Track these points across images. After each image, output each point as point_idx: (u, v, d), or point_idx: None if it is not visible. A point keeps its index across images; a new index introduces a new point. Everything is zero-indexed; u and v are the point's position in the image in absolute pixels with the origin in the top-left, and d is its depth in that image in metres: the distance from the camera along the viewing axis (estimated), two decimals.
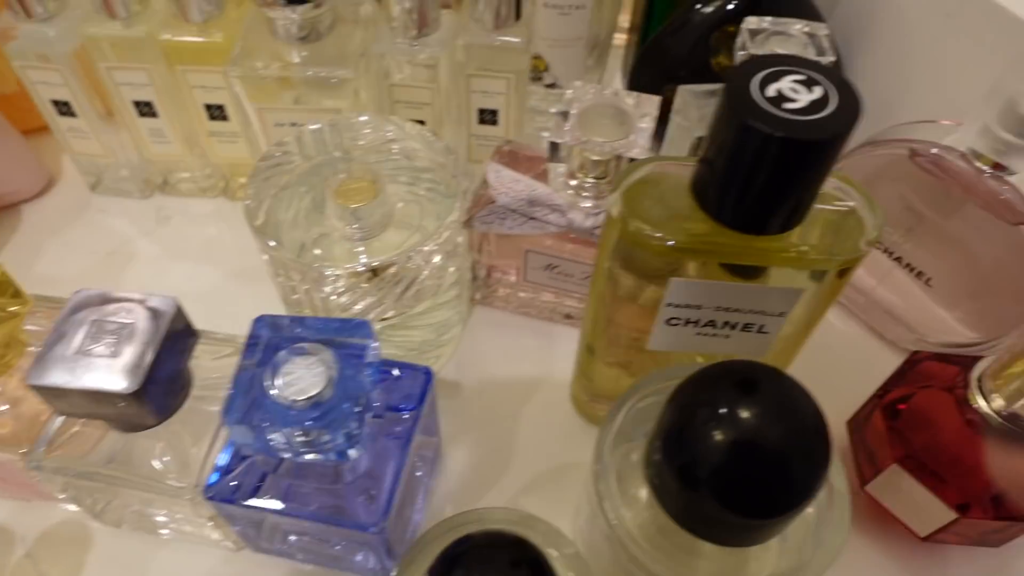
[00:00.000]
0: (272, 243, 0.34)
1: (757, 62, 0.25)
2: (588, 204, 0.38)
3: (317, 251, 0.37)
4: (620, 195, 0.29)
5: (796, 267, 0.29)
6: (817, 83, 0.25)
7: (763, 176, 0.25)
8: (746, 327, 0.32)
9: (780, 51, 0.39)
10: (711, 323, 0.32)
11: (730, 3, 0.44)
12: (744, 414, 0.25)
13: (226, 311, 0.48)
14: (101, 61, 0.44)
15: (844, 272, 0.29)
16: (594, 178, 0.37)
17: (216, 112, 0.46)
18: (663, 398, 0.26)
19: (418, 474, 0.38)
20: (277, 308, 0.46)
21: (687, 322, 0.32)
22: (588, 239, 0.39)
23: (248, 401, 0.28)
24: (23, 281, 0.49)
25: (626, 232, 0.29)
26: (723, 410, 0.25)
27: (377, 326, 0.39)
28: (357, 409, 0.28)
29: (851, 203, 0.29)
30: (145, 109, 0.47)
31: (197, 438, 0.34)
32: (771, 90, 0.24)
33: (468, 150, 0.49)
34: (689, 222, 0.28)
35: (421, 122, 0.45)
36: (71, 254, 0.51)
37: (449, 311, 0.42)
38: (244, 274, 0.50)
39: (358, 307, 0.36)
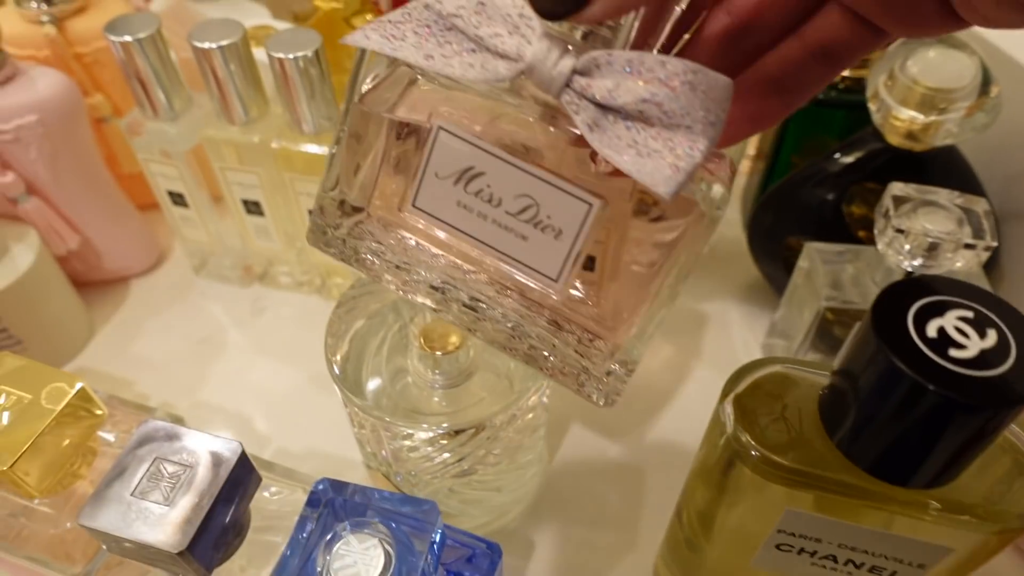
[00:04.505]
0: (351, 395, 0.32)
1: (913, 286, 0.21)
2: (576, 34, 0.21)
3: (395, 385, 0.35)
4: (732, 401, 0.26)
5: (939, 526, 0.24)
6: (990, 323, 0.20)
7: (914, 431, 0.21)
8: (874, 570, 0.27)
9: (929, 226, 0.35)
10: (831, 557, 0.27)
11: (875, 158, 0.40)
12: None
13: (298, 420, 0.47)
14: (217, 161, 0.45)
15: (1007, 533, 0.24)
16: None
17: None
18: None
19: None
20: (347, 428, 0.44)
21: (800, 551, 0.27)
22: (557, 117, 0.22)
23: None
24: (118, 360, 0.50)
25: (739, 449, 0.25)
26: None
27: (448, 482, 0.36)
28: None
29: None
30: (253, 208, 0.47)
31: (256, 570, 0.32)
32: (932, 328, 0.20)
33: None
34: (813, 450, 0.24)
35: None
36: (167, 337, 0.52)
37: (531, 467, 0.39)
38: (324, 380, 0.48)
39: (431, 462, 0.34)
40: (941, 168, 0.39)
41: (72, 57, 0.48)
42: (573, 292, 0.24)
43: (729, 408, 0.25)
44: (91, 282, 0.54)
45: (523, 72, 0.19)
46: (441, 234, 0.25)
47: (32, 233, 0.46)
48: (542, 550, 0.40)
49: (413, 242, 0.26)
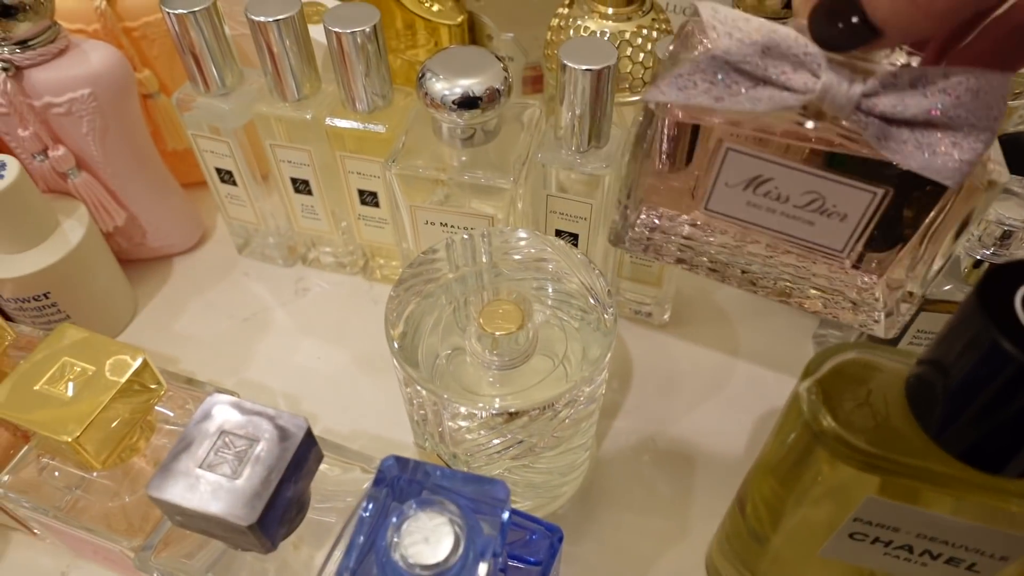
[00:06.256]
0: (408, 369, 0.32)
1: (1022, 267, 0.21)
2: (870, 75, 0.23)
3: (449, 367, 0.35)
4: (813, 383, 0.25)
5: None
6: None
7: (1017, 418, 0.20)
8: (952, 561, 0.26)
9: (1003, 212, 0.34)
10: (906, 547, 0.26)
11: None
12: None
13: (347, 400, 0.47)
14: (268, 138, 0.45)
15: None
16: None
17: (368, 198, 0.46)
18: None
19: None
20: (397, 408, 0.44)
21: (875, 540, 0.27)
22: (837, 133, 0.24)
23: (362, 557, 0.25)
24: (162, 337, 0.50)
25: (819, 432, 0.24)
26: None
27: (504, 464, 0.36)
28: None
29: None
30: (301, 187, 0.47)
31: (310, 549, 0.31)
32: None
33: (617, 266, 0.45)
34: (899, 436, 0.23)
35: (574, 235, 0.43)
36: (211, 315, 0.52)
37: (583, 451, 0.39)
38: (370, 361, 0.48)
39: (488, 443, 0.33)
40: (1010, 153, 0.38)
41: (121, 31, 0.48)
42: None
43: (809, 390, 0.25)
44: (134, 260, 0.54)
45: (813, 100, 0.22)
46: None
47: (81, 208, 0.46)
48: (592, 535, 0.40)
49: (691, 229, 0.31)
